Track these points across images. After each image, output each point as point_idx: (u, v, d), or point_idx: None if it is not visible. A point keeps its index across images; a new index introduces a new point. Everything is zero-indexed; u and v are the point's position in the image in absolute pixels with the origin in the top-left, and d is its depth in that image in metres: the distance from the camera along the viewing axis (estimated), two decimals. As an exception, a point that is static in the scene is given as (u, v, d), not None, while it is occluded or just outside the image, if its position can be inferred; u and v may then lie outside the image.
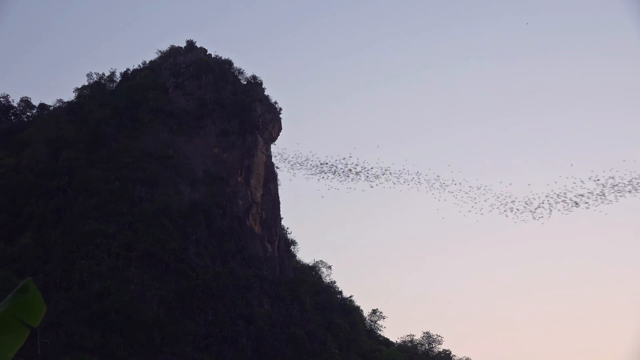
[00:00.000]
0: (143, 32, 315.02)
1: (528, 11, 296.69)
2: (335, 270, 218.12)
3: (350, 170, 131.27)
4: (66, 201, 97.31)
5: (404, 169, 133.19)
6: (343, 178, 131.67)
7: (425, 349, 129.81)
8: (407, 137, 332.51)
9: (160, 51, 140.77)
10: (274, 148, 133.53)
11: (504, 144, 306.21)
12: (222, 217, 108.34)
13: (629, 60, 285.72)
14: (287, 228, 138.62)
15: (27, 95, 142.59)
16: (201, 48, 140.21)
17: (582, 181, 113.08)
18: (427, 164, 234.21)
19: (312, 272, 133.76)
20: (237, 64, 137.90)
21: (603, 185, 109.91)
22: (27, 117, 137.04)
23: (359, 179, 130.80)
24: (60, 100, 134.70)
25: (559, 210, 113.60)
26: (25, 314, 7.04)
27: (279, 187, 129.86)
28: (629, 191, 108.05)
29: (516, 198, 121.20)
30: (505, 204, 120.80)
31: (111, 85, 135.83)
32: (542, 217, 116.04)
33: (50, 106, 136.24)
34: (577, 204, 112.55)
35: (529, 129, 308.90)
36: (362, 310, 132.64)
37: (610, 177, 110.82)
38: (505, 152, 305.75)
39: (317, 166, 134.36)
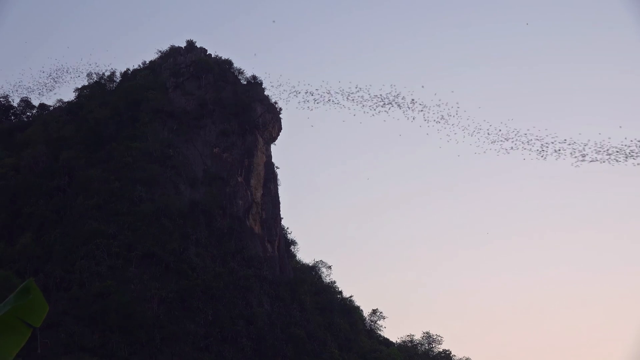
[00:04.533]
0: (143, 32, 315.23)
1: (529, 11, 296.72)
2: (335, 270, 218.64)
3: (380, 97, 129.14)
4: (66, 201, 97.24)
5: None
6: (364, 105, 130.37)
7: (425, 349, 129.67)
8: (408, 142, 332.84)
9: (160, 51, 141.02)
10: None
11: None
12: (222, 217, 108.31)
13: (629, 61, 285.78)
14: (287, 228, 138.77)
15: (27, 95, 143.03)
16: (201, 48, 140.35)
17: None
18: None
19: (312, 272, 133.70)
20: (237, 64, 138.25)
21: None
22: (27, 117, 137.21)
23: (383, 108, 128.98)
24: (60, 100, 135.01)
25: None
26: (27, 314, 7.06)
27: (279, 187, 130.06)
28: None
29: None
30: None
31: (111, 85, 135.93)
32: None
33: (50, 106, 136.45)
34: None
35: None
36: (362, 310, 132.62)
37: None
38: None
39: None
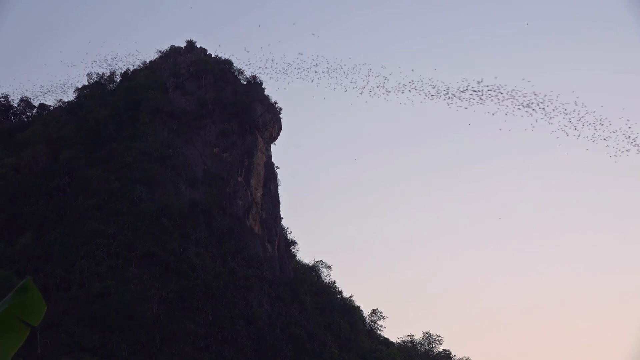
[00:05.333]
0: (143, 32, 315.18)
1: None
2: (335, 270, 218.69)
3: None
4: (66, 201, 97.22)
5: None
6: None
7: (425, 349, 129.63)
8: (408, 142, 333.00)
9: (160, 51, 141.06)
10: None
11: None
12: (222, 217, 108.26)
13: (629, 61, 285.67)
14: (287, 228, 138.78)
15: (27, 95, 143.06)
16: (201, 48, 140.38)
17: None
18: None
19: (312, 272, 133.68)
20: (237, 64, 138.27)
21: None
22: (27, 117, 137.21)
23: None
24: (60, 100, 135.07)
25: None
26: (25, 314, 7.03)
27: (279, 187, 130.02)
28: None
29: None
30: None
31: (111, 85, 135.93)
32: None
33: (50, 106, 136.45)
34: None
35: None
36: (362, 310, 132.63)
37: None
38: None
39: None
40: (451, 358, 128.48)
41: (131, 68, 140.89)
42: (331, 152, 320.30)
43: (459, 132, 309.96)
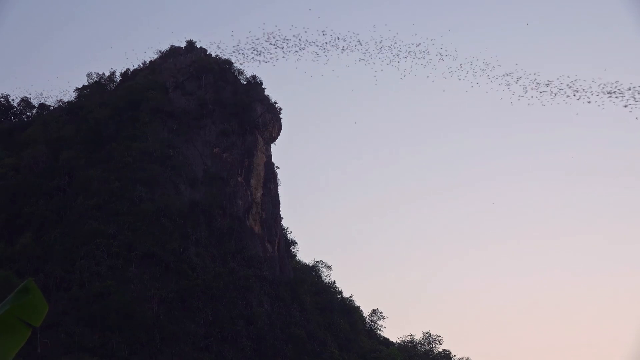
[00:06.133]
0: (143, 32, 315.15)
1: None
2: (335, 270, 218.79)
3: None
4: (66, 201, 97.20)
5: None
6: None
7: (425, 349, 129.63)
8: (408, 143, 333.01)
9: (160, 51, 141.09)
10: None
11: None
12: (222, 217, 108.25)
13: (629, 61, 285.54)
14: (287, 228, 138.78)
15: (27, 95, 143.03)
16: (201, 48, 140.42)
17: None
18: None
19: (312, 272, 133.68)
20: (237, 64, 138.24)
21: None
22: (27, 117, 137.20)
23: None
24: (60, 100, 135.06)
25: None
26: (27, 314, 7.04)
27: (279, 187, 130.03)
28: None
29: None
30: None
31: (111, 85, 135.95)
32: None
33: (50, 106, 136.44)
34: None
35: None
36: (362, 310, 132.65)
37: None
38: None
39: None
40: (451, 358, 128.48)
41: (131, 68, 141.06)
42: (331, 152, 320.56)
43: (460, 132, 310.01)
